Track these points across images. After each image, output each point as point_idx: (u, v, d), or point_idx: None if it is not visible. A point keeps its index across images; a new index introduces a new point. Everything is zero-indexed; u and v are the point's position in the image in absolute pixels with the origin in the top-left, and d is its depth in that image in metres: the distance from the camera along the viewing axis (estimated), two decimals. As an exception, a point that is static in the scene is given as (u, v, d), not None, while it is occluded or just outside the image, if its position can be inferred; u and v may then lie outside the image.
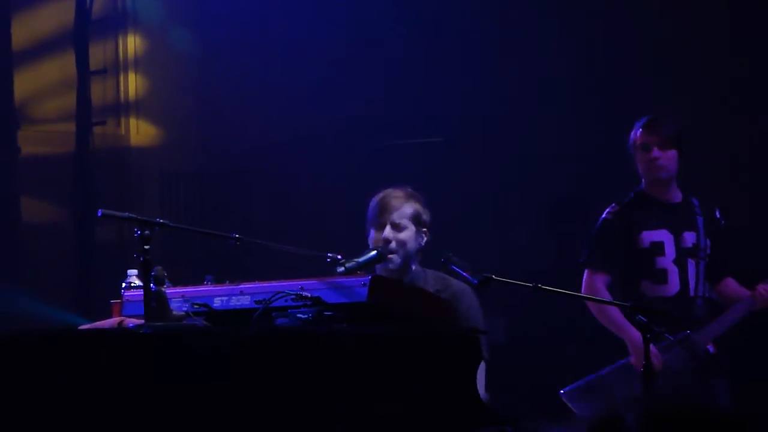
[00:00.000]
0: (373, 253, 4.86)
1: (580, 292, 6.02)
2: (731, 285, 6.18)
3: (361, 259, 4.72)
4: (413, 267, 5.11)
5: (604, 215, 6.15)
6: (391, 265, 5.03)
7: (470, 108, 7.79)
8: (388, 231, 5.05)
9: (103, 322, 4.42)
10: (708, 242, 6.10)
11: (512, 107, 7.76)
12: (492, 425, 4.16)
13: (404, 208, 5.08)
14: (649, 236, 6.06)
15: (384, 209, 5.07)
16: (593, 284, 6.03)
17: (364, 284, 4.17)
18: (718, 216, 6.17)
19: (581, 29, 7.67)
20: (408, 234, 5.07)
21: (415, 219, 5.08)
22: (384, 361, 4.10)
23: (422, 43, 7.82)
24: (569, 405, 5.96)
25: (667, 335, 5.84)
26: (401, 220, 5.07)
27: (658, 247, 6.05)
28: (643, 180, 6.14)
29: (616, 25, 7.64)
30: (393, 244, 5.03)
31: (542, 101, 7.73)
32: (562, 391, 6.01)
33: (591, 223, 7.62)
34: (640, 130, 6.09)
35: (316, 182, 7.70)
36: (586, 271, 6.09)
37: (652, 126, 6.07)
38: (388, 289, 4.32)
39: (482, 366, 4.89)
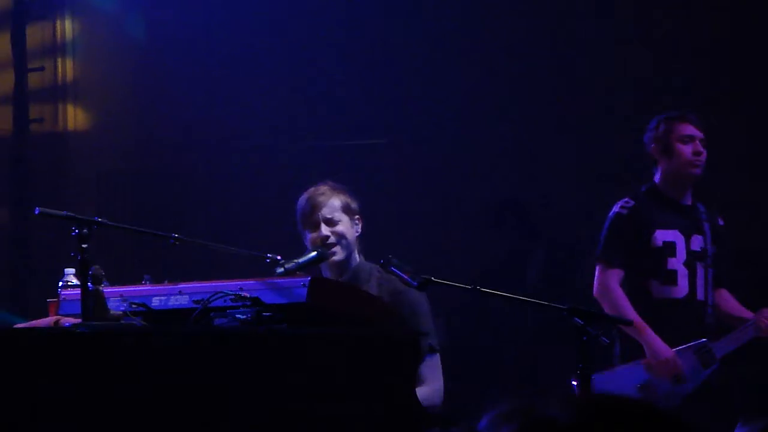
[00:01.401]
0: (313, 254, 4.86)
1: (592, 288, 5.84)
2: (726, 298, 6.06)
3: (301, 260, 4.72)
4: (356, 258, 5.12)
5: (617, 209, 5.93)
6: (335, 258, 5.05)
7: (414, 109, 7.79)
8: (323, 228, 5.08)
9: (39, 321, 4.37)
10: (714, 249, 5.98)
11: (455, 109, 7.77)
12: (434, 426, 4.17)
13: (332, 201, 5.11)
14: (663, 235, 5.89)
15: (313, 208, 5.10)
16: (607, 281, 5.82)
17: (304, 285, 4.17)
18: (721, 223, 6.06)
19: (524, 30, 7.69)
20: (344, 225, 5.10)
21: (346, 209, 5.12)
22: (323, 361, 4.09)
23: (367, 44, 7.82)
24: None
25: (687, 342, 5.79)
26: (333, 214, 5.10)
27: (670, 247, 5.89)
28: (660, 175, 5.94)
29: (561, 25, 7.67)
30: (332, 239, 5.05)
31: (486, 103, 7.75)
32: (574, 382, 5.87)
33: (533, 223, 7.68)
34: (687, 122, 5.89)
35: (256, 182, 7.68)
36: (597, 267, 5.89)
37: (699, 121, 5.91)
38: (327, 290, 4.32)
39: (436, 358, 4.91)
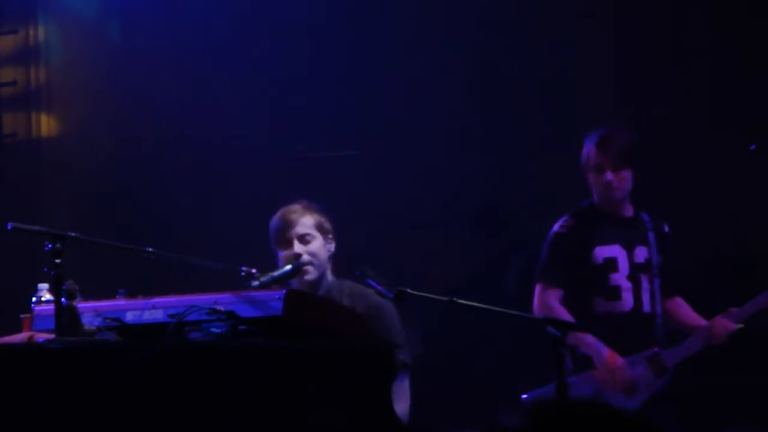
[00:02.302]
0: (288, 267, 4.86)
1: (532, 306, 5.86)
2: (681, 305, 6.08)
3: (276, 274, 4.71)
4: (328, 277, 5.13)
5: (556, 228, 5.95)
6: (307, 277, 5.05)
7: (389, 119, 7.79)
8: (296, 246, 5.08)
9: (12, 336, 4.35)
10: (660, 258, 5.99)
11: (432, 118, 7.77)
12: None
13: (305, 219, 5.12)
14: (602, 252, 5.90)
15: (287, 226, 5.10)
16: (546, 300, 5.84)
17: (279, 298, 4.15)
18: (667, 230, 6.06)
19: (502, 36, 7.69)
20: (317, 244, 5.11)
21: (319, 228, 5.13)
22: (299, 375, 4.08)
23: (339, 54, 7.81)
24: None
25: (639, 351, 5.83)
26: (307, 232, 5.11)
27: (611, 263, 5.90)
28: (594, 195, 5.96)
29: (535, 31, 7.68)
30: (305, 257, 5.05)
31: (464, 111, 7.74)
32: (524, 396, 5.89)
33: (511, 232, 7.68)
34: (594, 149, 5.90)
35: (231, 195, 7.65)
36: (537, 286, 5.90)
37: (606, 145, 5.88)
38: (303, 303, 4.31)
39: (406, 377, 4.90)
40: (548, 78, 7.59)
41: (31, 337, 4.25)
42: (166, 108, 7.71)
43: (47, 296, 4.41)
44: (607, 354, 5.81)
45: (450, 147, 7.76)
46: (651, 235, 6.00)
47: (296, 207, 5.17)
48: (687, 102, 7.43)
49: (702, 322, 6.03)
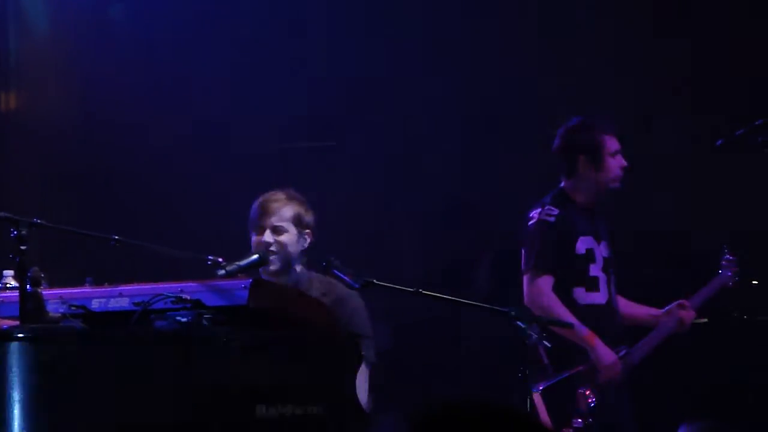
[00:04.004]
0: (255, 257, 4.86)
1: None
2: (621, 300, 6.10)
3: (242, 263, 4.71)
4: (297, 269, 5.13)
5: (541, 217, 5.92)
6: (271, 267, 5.05)
7: (364, 112, 7.78)
8: (267, 235, 5.09)
9: (-24, 323, 4.32)
10: (612, 256, 6.03)
11: (406, 111, 7.77)
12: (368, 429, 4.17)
13: (284, 210, 5.11)
14: (584, 243, 5.93)
15: (264, 213, 5.11)
16: (539, 288, 5.82)
17: (245, 287, 4.15)
18: (610, 228, 6.09)
19: (477, 31, 7.71)
20: (288, 237, 5.10)
21: (296, 221, 5.11)
22: (263, 364, 4.08)
23: (318, 46, 7.80)
24: (542, 403, 5.76)
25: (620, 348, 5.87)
26: (281, 223, 5.10)
27: (590, 254, 5.93)
28: (578, 183, 5.95)
29: (514, 26, 7.69)
30: (273, 247, 5.05)
31: (437, 104, 7.75)
32: (535, 389, 5.87)
33: (482, 226, 7.68)
34: (614, 135, 5.94)
35: (199, 184, 7.63)
36: (526, 276, 5.89)
37: (615, 128, 5.96)
38: (268, 293, 4.30)
39: (364, 369, 4.90)
40: (525, 74, 7.60)
41: (-5, 324, 4.22)
42: (140, 93, 7.68)
43: (12, 283, 4.39)
44: (603, 348, 5.82)
45: (425, 140, 7.76)
46: (603, 232, 6.03)
47: (279, 195, 5.15)
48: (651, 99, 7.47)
49: (655, 311, 6.08)
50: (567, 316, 5.75)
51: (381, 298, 5.07)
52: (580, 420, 5.81)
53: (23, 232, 4.15)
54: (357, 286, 4.60)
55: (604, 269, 5.96)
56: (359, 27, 7.79)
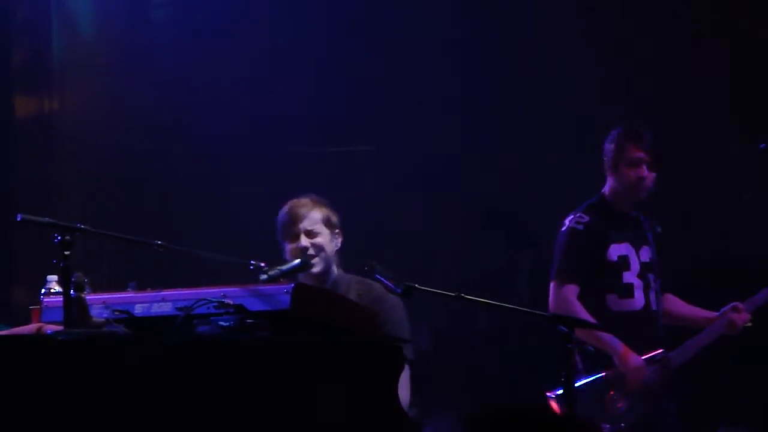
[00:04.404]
0: (297, 261, 4.88)
1: (548, 306, 5.90)
2: (677, 301, 6.12)
3: (284, 268, 4.72)
4: (334, 271, 5.15)
5: (571, 224, 5.98)
6: (314, 270, 5.06)
7: (401, 116, 7.78)
8: (303, 239, 5.11)
9: (21, 328, 4.36)
10: (658, 259, 6.04)
11: (444, 115, 7.77)
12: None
13: (313, 214, 5.15)
14: (617, 250, 5.96)
15: (294, 219, 5.14)
16: (564, 296, 5.87)
17: (287, 292, 4.16)
18: (659, 231, 6.12)
19: (511, 35, 7.69)
20: (324, 238, 5.14)
21: (327, 222, 5.16)
22: (306, 369, 4.08)
23: (353, 49, 7.81)
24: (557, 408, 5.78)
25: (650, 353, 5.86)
26: (314, 227, 5.14)
27: (624, 261, 5.95)
28: (609, 189, 6.03)
29: (549, 30, 7.68)
30: (311, 250, 5.08)
31: (475, 109, 7.74)
32: (549, 395, 5.89)
33: (521, 230, 7.67)
34: (632, 143, 5.96)
35: (241, 189, 7.66)
36: (553, 284, 5.94)
37: (645, 141, 5.96)
38: (310, 297, 4.31)
39: (407, 369, 4.91)
40: (562, 78, 7.58)
41: (40, 329, 4.26)
42: (178, 100, 7.71)
43: (56, 288, 4.42)
44: (626, 353, 5.81)
45: (463, 144, 7.76)
46: (650, 236, 6.06)
47: (305, 201, 5.20)
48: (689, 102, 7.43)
49: (709, 314, 6.06)
50: (590, 321, 5.73)
51: (421, 300, 5.07)
52: (608, 425, 5.80)
53: (67, 238, 4.18)
54: (399, 291, 4.59)
55: (641, 275, 5.97)
56: (400, 27, 7.79)
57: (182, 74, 7.76)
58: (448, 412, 5.98)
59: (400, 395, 4.81)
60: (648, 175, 5.97)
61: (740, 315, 6.04)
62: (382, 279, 4.62)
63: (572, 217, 6.01)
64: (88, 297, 4.17)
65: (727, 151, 7.29)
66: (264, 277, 4.55)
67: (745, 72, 7.40)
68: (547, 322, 4.74)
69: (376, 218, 7.33)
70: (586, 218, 5.98)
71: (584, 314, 5.80)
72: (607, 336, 5.80)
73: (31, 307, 4.49)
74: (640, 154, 5.97)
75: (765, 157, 6.28)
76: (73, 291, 4.11)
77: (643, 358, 5.87)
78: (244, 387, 3.99)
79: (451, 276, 7.41)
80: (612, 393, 5.83)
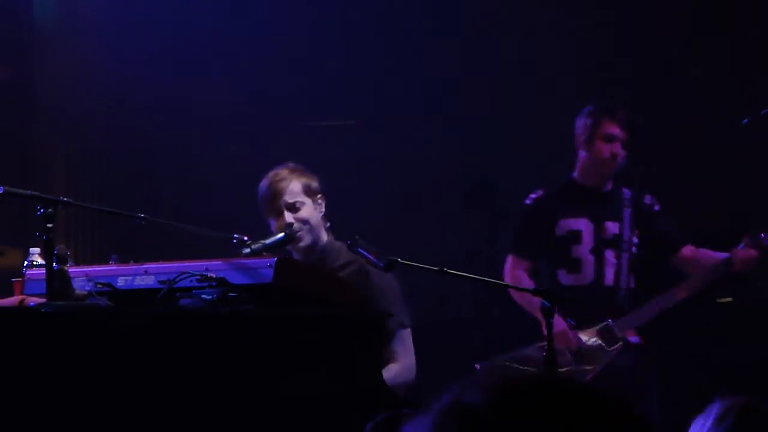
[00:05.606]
0: (281, 235, 4.86)
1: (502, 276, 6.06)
2: (690, 251, 6.12)
3: (267, 241, 4.71)
4: (324, 238, 5.08)
5: (527, 200, 6.18)
6: (302, 244, 5.02)
7: (383, 90, 7.78)
8: (287, 215, 5.02)
9: (4, 300, 4.35)
10: (634, 234, 6.09)
11: (425, 89, 7.76)
12: (394, 407, 4.18)
13: (292, 186, 5.05)
14: (567, 224, 6.06)
15: (275, 195, 5.04)
16: (514, 270, 6.07)
17: (270, 266, 4.16)
18: (648, 202, 6.15)
19: (494, 13, 7.69)
20: (307, 209, 5.04)
21: (307, 191, 5.06)
22: (287, 342, 4.09)
23: (335, 24, 7.79)
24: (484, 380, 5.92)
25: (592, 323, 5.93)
26: (295, 199, 5.04)
27: (575, 236, 6.06)
28: (579, 163, 6.12)
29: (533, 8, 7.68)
30: (296, 225, 5.01)
31: (457, 83, 7.74)
32: (477, 366, 6.00)
33: (504, 205, 7.69)
34: (613, 121, 6.03)
35: (224, 162, 7.65)
36: (508, 258, 6.15)
37: (619, 117, 6.04)
38: (293, 271, 4.31)
39: (407, 333, 4.92)
40: (546, 56, 7.59)
41: (22, 301, 4.25)
42: (163, 74, 7.69)
43: (39, 260, 4.42)
44: (558, 323, 5.89)
45: (446, 120, 7.75)
46: (626, 212, 6.11)
47: (283, 172, 5.09)
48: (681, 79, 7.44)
49: (716, 255, 6.05)
50: (536, 299, 5.86)
51: (403, 277, 5.07)
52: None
53: (50, 211, 4.17)
54: (381, 265, 4.60)
55: (595, 250, 6.04)
56: (381, 3, 7.78)
57: (170, 47, 7.73)
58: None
59: (402, 360, 4.86)
60: (620, 152, 6.01)
61: (746, 251, 5.99)
62: (365, 253, 4.62)
63: (533, 194, 6.18)
64: (70, 270, 4.17)
65: (709, 130, 7.30)
66: (247, 250, 4.54)
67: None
68: (531, 295, 4.78)
69: (358, 193, 7.32)
70: (540, 194, 6.15)
71: (525, 283, 5.94)
72: (537, 302, 5.90)
73: (13, 280, 4.48)
74: (616, 130, 6.04)
75: (747, 133, 6.29)
76: (56, 263, 4.11)
77: (587, 330, 5.93)
78: (227, 360, 4.00)
79: (434, 250, 7.42)
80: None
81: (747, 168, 7.18)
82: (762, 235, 5.99)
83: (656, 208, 6.18)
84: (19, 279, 4.45)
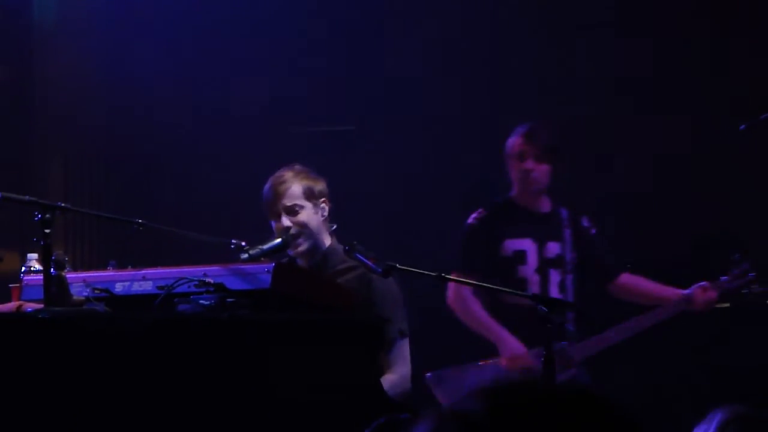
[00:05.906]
0: (278, 241, 4.84)
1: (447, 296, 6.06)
2: (636, 280, 6.14)
3: (265, 247, 4.70)
4: (324, 243, 5.05)
5: (470, 220, 6.17)
6: (299, 249, 4.98)
7: (384, 95, 7.77)
8: (284, 218, 4.99)
9: (1, 306, 4.35)
10: (574, 254, 6.11)
11: (426, 94, 7.75)
12: (392, 413, 4.17)
13: (293, 189, 5.00)
14: (512, 245, 6.08)
15: (275, 198, 5.01)
16: (459, 289, 6.01)
17: (268, 271, 4.16)
18: (586, 225, 6.18)
19: (493, 16, 7.69)
20: (305, 213, 4.99)
21: (308, 194, 5.01)
22: (285, 347, 4.09)
23: (335, 29, 7.79)
24: (432, 389, 5.96)
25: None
26: (293, 203, 4.99)
27: (520, 256, 6.07)
28: (514, 187, 6.17)
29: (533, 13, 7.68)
30: (294, 229, 4.97)
31: (457, 87, 7.73)
32: (428, 375, 5.98)
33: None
34: (519, 138, 6.11)
35: (222, 168, 7.64)
36: (453, 275, 5.94)
37: (532, 135, 6.09)
38: (291, 276, 4.31)
39: (405, 343, 4.90)
40: (547, 59, 7.59)
41: (19, 307, 4.25)
42: (166, 75, 7.68)
43: (36, 266, 4.41)
44: (510, 342, 5.89)
45: (447, 125, 7.75)
46: (567, 232, 6.14)
47: (286, 175, 5.05)
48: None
49: (670, 291, 6.06)
50: (480, 314, 5.97)
51: (402, 282, 5.07)
52: None
53: (47, 216, 4.17)
54: (379, 270, 4.59)
55: (540, 270, 6.05)
56: (381, 8, 7.78)
57: (168, 50, 7.72)
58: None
59: (398, 370, 4.84)
60: (534, 167, 6.02)
61: (707, 292, 6.03)
62: (363, 259, 4.61)
63: (475, 213, 6.18)
64: (68, 275, 4.16)
65: (708, 135, 7.29)
66: (245, 256, 4.54)
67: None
68: (531, 300, 4.79)
69: (359, 199, 7.32)
70: (483, 213, 6.16)
71: (476, 305, 5.98)
72: (493, 326, 5.96)
73: (10, 285, 4.48)
74: (523, 147, 6.08)
75: (746, 139, 6.29)
76: (54, 269, 4.10)
77: (537, 349, 5.88)
78: (224, 365, 4.00)
79: (435, 254, 7.41)
80: (496, 377, 5.89)
81: (746, 174, 7.18)
82: (723, 278, 6.05)
83: (593, 231, 6.19)
84: (17, 284, 4.44)
